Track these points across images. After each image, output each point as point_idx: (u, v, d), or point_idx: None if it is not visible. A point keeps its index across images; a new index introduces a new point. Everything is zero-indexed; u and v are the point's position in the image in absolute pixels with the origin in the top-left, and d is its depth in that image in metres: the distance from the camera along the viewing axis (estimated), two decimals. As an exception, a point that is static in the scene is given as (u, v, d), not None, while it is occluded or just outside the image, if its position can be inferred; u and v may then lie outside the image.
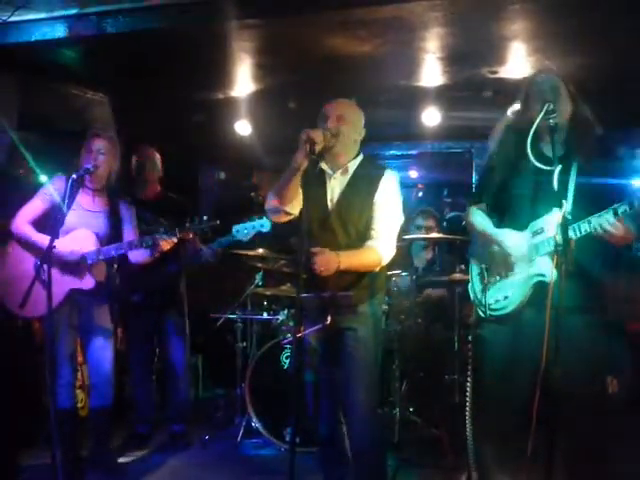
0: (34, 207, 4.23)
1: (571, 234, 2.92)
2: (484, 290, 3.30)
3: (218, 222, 4.43)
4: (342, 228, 3.50)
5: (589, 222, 2.92)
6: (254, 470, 4.79)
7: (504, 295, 3.23)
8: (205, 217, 4.38)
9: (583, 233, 2.93)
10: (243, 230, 4.78)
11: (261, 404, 5.11)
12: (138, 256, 4.38)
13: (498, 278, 3.27)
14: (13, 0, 4.64)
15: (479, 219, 3.46)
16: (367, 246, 3.51)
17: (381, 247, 3.51)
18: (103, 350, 4.33)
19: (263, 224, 4.76)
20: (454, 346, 5.35)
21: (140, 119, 6.55)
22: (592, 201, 3.00)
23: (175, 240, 4.27)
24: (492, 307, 3.26)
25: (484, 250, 3.38)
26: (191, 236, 4.37)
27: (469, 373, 3.51)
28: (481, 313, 3.31)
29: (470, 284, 3.45)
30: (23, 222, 4.18)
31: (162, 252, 4.30)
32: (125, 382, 5.34)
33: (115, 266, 4.46)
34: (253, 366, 5.19)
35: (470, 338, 3.51)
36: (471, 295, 3.43)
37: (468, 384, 3.53)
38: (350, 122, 3.53)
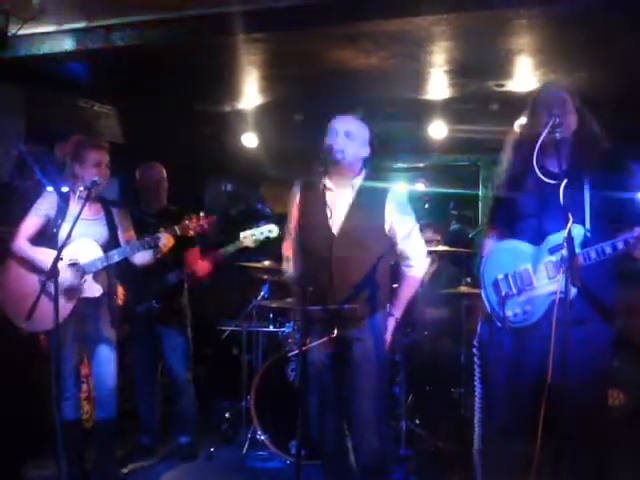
0: (31, 224, 4.22)
1: (594, 256, 2.93)
2: (501, 302, 3.28)
3: (216, 217, 4.47)
4: (348, 243, 3.50)
5: (613, 247, 2.91)
6: (260, 483, 4.80)
7: (523, 309, 3.18)
8: (202, 213, 4.40)
9: (606, 256, 2.93)
10: (251, 236, 4.82)
11: (267, 416, 5.08)
12: (141, 258, 4.39)
13: (516, 291, 3.24)
14: (22, 13, 4.67)
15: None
16: (407, 277, 3.68)
17: (418, 269, 3.70)
18: (107, 363, 4.32)
19: (271, 229, 4.79)
20: (460, 359, 5.34)
21: (147, 131, 6.57)
22: (608, 216, 3.00)
23: (174, 237, 4.27)
24: (511, 320, 3.24)
25: (499, 261, 3.36)
26: (192, 232, 4.37)
27: (477, 383, 3.47)
28: (499, 324, 3.29)
29: (484, 294, 3.41)
30: (22, 240, 4.19)
31: (165, 252, 4.31)
32: (130, 393, 5.33)
33: (113, 273, 4.42)
34: (259, 378, 5.17)
35: (475, 343, 3.45)
36: (487, 306, 3.39)
37: (477, 393, 3.49)
38: (358, 139, 3.57)
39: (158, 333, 5.10)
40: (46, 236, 4.19)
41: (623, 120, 4.99)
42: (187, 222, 4.35)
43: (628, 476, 3.81)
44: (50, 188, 4.50)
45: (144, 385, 5.24)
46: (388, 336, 3.61)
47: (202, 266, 5.17)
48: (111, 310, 4.36)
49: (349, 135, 3.52)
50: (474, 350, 3.43)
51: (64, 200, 4.24)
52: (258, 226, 4.87)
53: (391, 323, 3.64)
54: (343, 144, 3.48)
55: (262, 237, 4.84)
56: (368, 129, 3.66)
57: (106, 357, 4.32)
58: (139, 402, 5.24)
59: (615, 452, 3.25)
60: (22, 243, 4.18)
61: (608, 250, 2.92)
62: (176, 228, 4.30)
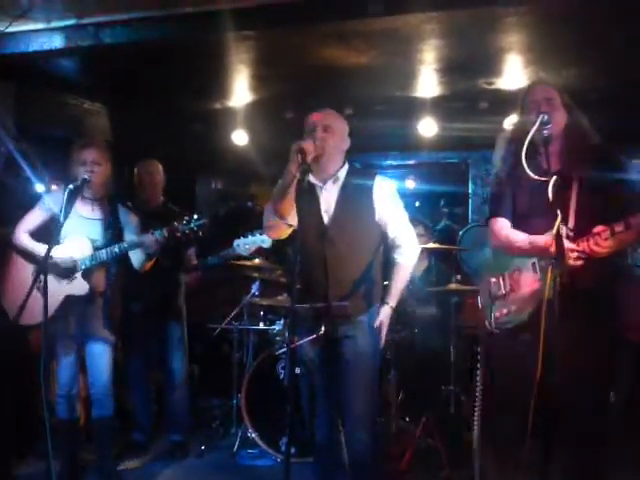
0: (33, 218, 4.27)
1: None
2: (491, 303, 3.31)
3: (206, 220, 4.40)
4: (341, 238, 3.51)
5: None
6: (250, 480, 4.79)
7: (508, 310, 3.21)
8: (195, 216, 4.37)
9: (577, 253, 2.93)
10: (244, 245, 4.84)
11: (257, 414, 5.09)
12: (137, 261, 4.38)
13: (504, 292, 3.26)
14: (11, 10, 4.65)
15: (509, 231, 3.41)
16: (399, 265, 3.63)
17: (410, 256, 3.65)
18: (101, 360, 4.31)
19: (264, 240, 4.80)
20: (450, 356, 5.34)
21: (137, 129, 6.55)
22: (596, 214, 3.00)
23: (161, 238, 4.25)
24: (498, 321, 3.25)
25: (496, 263, 3.37)
26: (179, 234, 4.34)
27: (478, 384, 3.48)
28: (488, 325, 3.31)
29: (480, 295, 3.45)
30: (22, 232, 4.21)
31: (156, 253, 4.32)
32: (124, 391, 5.32)
33: (113, 273, 4.41)
34: (249, 376, 5.18)
35: (478, 349, 3.47)
36: (480, 305, 3.43)
37: (477, 394, 3.50)
38: (337, 132, 3.59)
39: (156, 331, 5.12)
40: (49, 234, 4.19)
41: (613, 117, 5.00)
42: (176, 225, 4.31)
43: (617, 473, 3.82)
44: (40, 186, 4.51)
45: (139, 383, 5.25)
46: (384, 328, 3.57)
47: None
48: (105, 310, 4.34)
49: (328, 129, 3.53)
50: (478, 352, 3.42)
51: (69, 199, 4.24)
52: (253, 235, 4.89)
53: (386, 312, 3.58)
54: (322, 139, 3.48)
55: (255, 246, 4.88)
56: (345, 121, 3.70)
57: (99, 355, 4.31)
58: (134, 399, 5.24)
59: (606, 449, 3.26)
60: (21, 235, 4.22)
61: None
62: (165, 230, 4.27)
